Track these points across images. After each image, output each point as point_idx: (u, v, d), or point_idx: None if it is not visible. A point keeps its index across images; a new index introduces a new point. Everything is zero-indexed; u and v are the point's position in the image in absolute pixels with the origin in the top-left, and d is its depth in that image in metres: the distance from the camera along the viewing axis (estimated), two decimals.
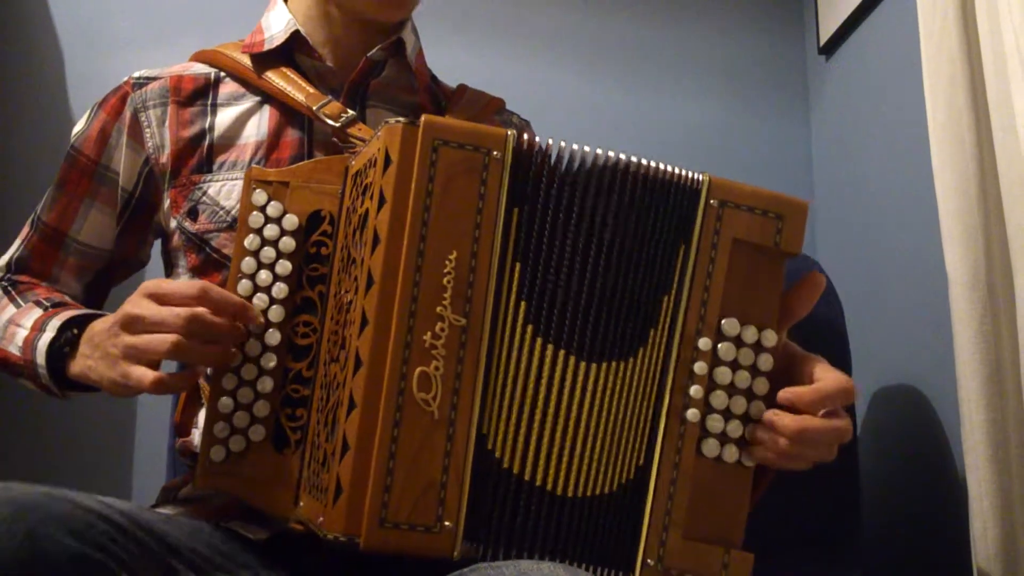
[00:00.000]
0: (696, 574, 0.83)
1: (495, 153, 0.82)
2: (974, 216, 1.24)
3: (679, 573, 0.82)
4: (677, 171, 0.87)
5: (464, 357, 0.79)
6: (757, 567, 0.85)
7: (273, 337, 0.91)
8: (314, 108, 1.08)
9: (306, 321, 0.92)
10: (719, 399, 0.85)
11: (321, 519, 0.79)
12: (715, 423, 0.85)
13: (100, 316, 0.98)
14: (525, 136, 0.83)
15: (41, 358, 0.99)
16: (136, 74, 1.17)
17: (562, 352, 0.82)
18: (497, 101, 1.25)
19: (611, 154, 0.85)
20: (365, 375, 0.79)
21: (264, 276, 0.93)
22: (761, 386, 0.86)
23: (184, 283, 0.89)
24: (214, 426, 0.90)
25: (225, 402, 0.91)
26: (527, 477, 0.81)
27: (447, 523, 0.77)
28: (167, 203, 1.12)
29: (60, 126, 1.17)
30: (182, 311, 0.86)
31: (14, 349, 1.04)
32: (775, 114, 2.16)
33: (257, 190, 0.94)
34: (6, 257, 1.17)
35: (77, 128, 1.18)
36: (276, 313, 0.92)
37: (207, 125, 1.13)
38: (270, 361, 0.91)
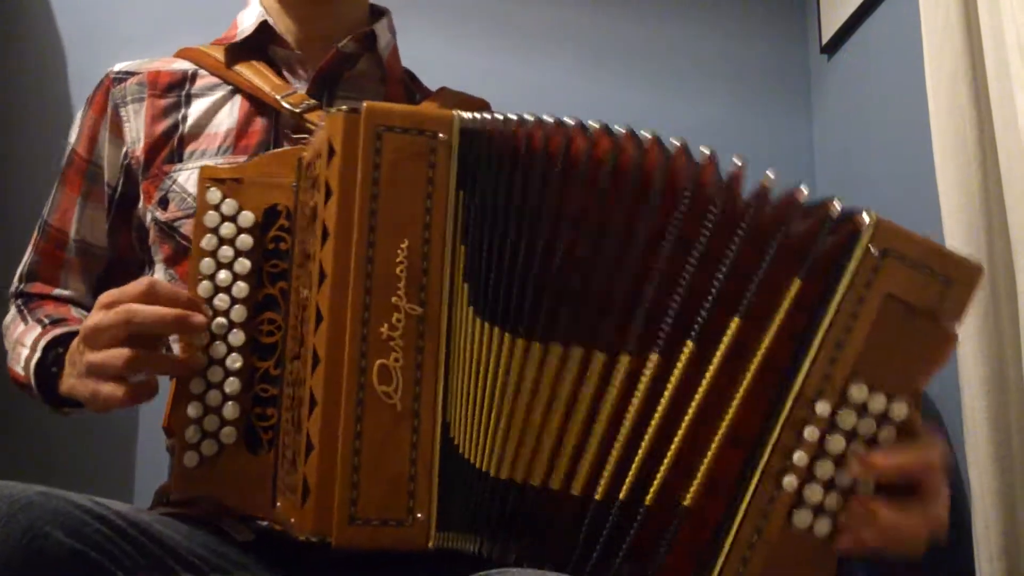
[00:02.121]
0: None
1: (441, 136, 0.79)
2: (976, 213, 1.24)
3: None
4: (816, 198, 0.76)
5: (423, 347, 0.78)
6: None
7: (237, 337, 0.90)
8: (278, 97, 1.08)
9: (270, 319, 0.91)
10: (825, 469, 0.74)
11: (293, 520, 0.78)
12: (814, 493, 0.74)
13: None
14: (475, 115, 0.81)
15: (33, 379, 1.01)
16: (117, 67, 1.18)
17: (507, 334, 0.78)
18: (478, 100, 1.24)
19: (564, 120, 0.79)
20: (323, 372, 0.77)
21: (224, 276, 0.91)
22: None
23: (131, 284, 0.88)
24: (185, 432, 0.89)
25: (194, 407, 0.90)
26: (486, 465, 0.78)
27: (419, 515, 0.76)
28: (142, 196, 1.13)
29: (62, 125, 1.19)
30: (120, 309, 0.85)
31: (19, 369, 1.06)
32: (777, 113, 2.17)
33: (211, 188, 0.93)
34: (20, 267, 1.19)
35: (73, 126, 1.20)
36: (238, 313, 0.90)
37: (180, 116, 1.14)
38: (236, 362, 0.90)
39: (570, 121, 0.80)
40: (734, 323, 0.76)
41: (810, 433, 0.74)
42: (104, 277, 1.19)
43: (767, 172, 0.76)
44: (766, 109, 2.16)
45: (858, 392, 0.74)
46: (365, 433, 0.76)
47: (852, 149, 1.95)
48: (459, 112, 0.80)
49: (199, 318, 0.86)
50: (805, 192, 0.77)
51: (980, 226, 1.24)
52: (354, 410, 0.76)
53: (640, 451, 0.77)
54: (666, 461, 0.76)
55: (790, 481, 0.74)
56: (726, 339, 0.76)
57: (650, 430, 0.77)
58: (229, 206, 0.92)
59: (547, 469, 0.78)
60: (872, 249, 0.75)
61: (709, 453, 0.76)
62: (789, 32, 2.20)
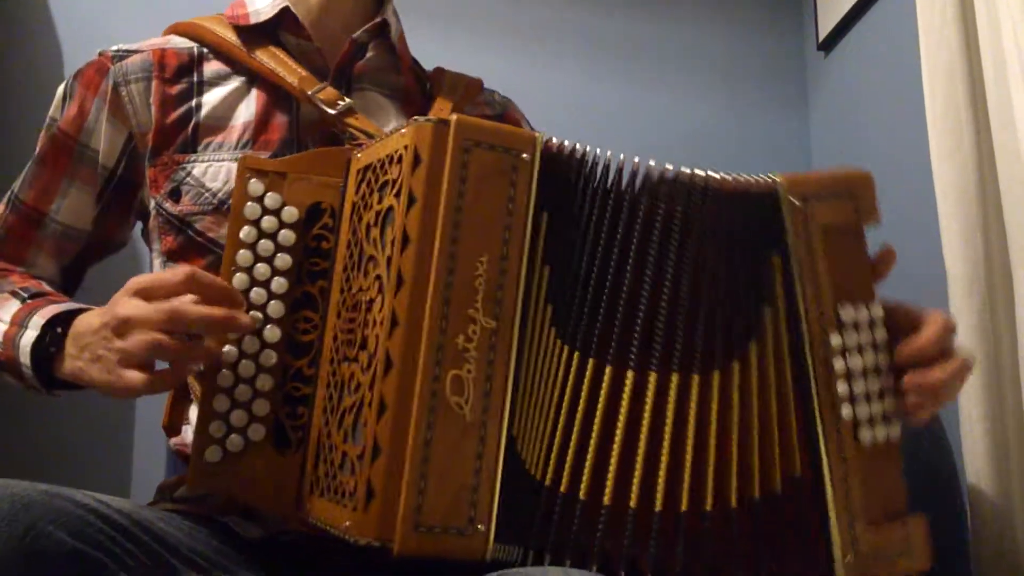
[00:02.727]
0: (887, 552, 0.85)
1: (524, 156, 0.82)
2: (973, 212, 1.27)
3: (874, 560, 0.84)
4: (746, 178, 0.87)
5: (495, 360, 0.79)
6: None
7: (272, 333, 0.88)
8: (309, 93, 1.05)
9: (307, 317, 0.90)
10: (860, 386, 0.86)
11: (347, 524, 0.78)
12: (864, 410, 0.86)
13: (83, 311, 0.93)
14: (554, 140, 0.83)
15: (26, 358, 0.94)
16: (113, 48, 1.11)
17: (591, 360, 0.82)
18: (478, 80, 1.25)
19: (653, 164, 0.84)
20: (397, 377, 0.77)
21: (262, 269, 0.90)
22: (885, 358, 0.88)
23: (170, 272, 0.85)
24: (209, 425, 0.87)
25: (221, 400, 0.87)
26: (553, 482, 0.80)
27: (479, 526, 0.77)
28: (148, 183, 1.07)
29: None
30: (164, 306, 0.83)
31: None
32: (774, 110, 2.19)
33: (253, 179, 0.91)
34: None
35: (55, 102, 1.12)
36: (275, 308, 0.89)
37: (193, 104, 1.08)
38: (270, 358, 0.88)
39: (649, 162, 0.84)
40: (767, 313, 0.86)
41: (838, 365, 0.86)
42: (80, 258, 1.13)
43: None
44: (763, 106, 2.19)
45: (845, 313, 0.87)
46: (435, 441, 0.77)
47: (848, 146, 1.97)
48: (543, 134, 0.83)
49: (246, 319, 0.85)
50: (729, 177, 0.87)
51: (977, 224, 1.27)
52: (426, 417, 0.77)
53: (736, 460, 0.83)
54: (772, 458, 0.85)
55: (846, 411, 0.86)
56: (769, 333, 0.86)
57: (726, 439, 0.84)
58: (272, 199, 0.91)
59: (627, 486, 0.81)
60: (794, 200, 0.88)
61: (774, 445, 0.85)
62: (786, 29, 2.23)
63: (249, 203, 0.90)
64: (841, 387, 0.86)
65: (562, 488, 0.81)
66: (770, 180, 0.87)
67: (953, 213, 1.30)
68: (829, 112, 2.10)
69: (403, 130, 0.82)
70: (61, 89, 1.13)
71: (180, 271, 0.85)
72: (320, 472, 0.84)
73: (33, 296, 1.01)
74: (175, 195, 1.05)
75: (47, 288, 1.05)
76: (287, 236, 0.90)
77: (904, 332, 0.89)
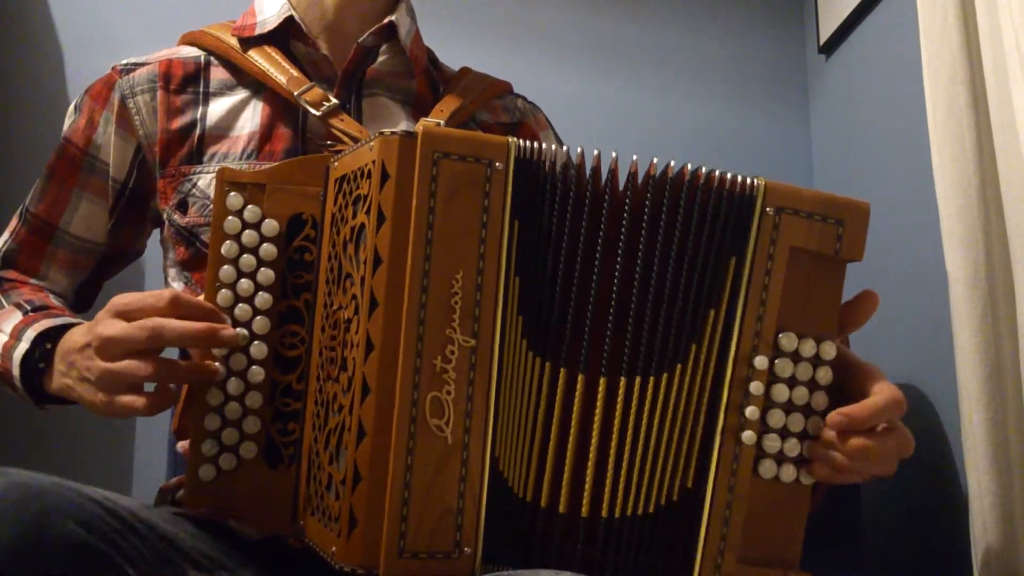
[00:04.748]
0: None
1: (497, 164, 0.78)
2: (974, 215, 1.25)
3: None
4: (729, 176, 0.82)
5: (475, 379, 0.77)
6: None
7: (259, 350, 0.87)
8: (295, 93, 1.04)
9: (293, 331, 0.88)
10: (776, 418, 0.81)
11: (334, 549, 0.77)
12: (772, 443, 0.81)
13: (74, 325, 0.93)
14: (528, 144, 0.80)
15: (16, 370, 0.95)
16: (123, 61, 1.12)
17: (563, 370, 0.79)
18: (502, 84, 1.22)
19: (636, 159, 0.81)
20: (374, 402, 0.76)
21: (245, 285, 0.88)
22: (820, 400, 0.82)
23: (151, 295, 0.85)
24: (201, 445, 0.87)
25: (212, 419, 0.87)
26: (534, 498, 0.80)
27: (466, 549, 0.76)
28: (159, 195, 1.08)
29: (59, 126, 1.14)
30: (147, 323, 0.82)
31: None
32: (775, 113, 2.17)
33: (232, 193, 0.89)
34: None
35: (68, 118, 1.13)
36: (261, 324, 0.88)
37: (198, 115, 1.08)
38: (258, 375, 0.87)
39: (624, 156, 0.81)
40: (711, 315, 0.82)
41: (755, 387, 0.81)
42: (95, 272, 1.15)
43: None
44: (764, 109, 2.17)
45: (788, 341, 0.82)
46: (416, 466, 0.76)
47: (850, 149, 1.97)
48: (515, 140, 0.79)
49: (229, 332, 0.84)
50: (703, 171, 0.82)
51: (978, 226, 1.25)
52: (405, 443, 0.75)
53: (671, 461, 0.82)
54: (685, 463, 0.82)
55: (749, 436, 0.81)
56: (709, 332, 0.82)
57: (675, 440, 0.82)
58: (252, 213, 0.89)
59: (599, 497, 0.80)
60: (768, 210, 0.81)
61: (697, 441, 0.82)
62: (787, 32, 2.22)
63: (229, 217, 0.89)
64: (751, 412, 0.80)
65: (543, 503, 0.80)
66: (752, 183, 0.82)
67: (954, 215, 1.28)
68: (830, 115, 2.09)
69: (371, 143, 0.80)
70: (73, 104, 1.14)
71: (163, 294, 0.84)
72: (311, 490, 0.84)
73: (36, 309, 1.01)
74: (182, 207, 1.06)
75: (53, 302, 1.06)
76: (269, 250, 0.88)
77: (852, 392, 0.84)
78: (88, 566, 0.74)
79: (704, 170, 0.82)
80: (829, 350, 0.82)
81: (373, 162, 0.79)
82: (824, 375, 0.82)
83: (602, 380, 0.80)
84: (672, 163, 0.82)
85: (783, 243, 0.81)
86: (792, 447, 0.81)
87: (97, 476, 1.72)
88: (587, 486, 0.80)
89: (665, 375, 0.81)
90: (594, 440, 0.80)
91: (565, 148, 0.81)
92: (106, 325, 0.84)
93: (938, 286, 1.36)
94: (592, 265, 0.80)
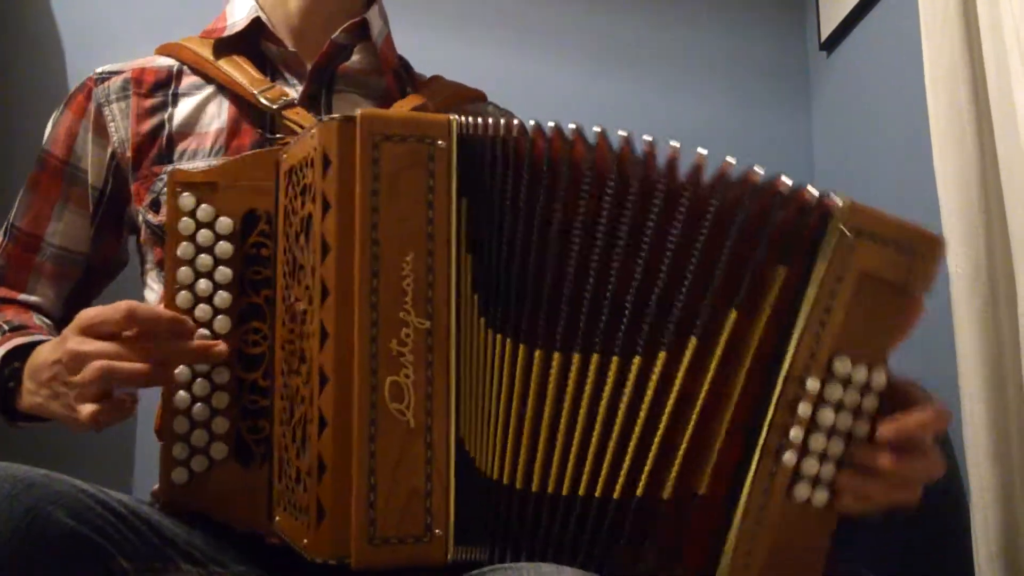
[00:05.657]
0: None
1: (440, 143, 0.77)
2: (975, 212, 1.24)
3: None
4: (791, 184, 0.77)
5: (433, 361, 0.76)
6: None
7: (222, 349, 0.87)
8: (255, 92, 1.05)
9: (255, 328, 0.88)
10: (818, 442, 0.77)
11: (305, 542, 0.77)
12: (810, 466, 0.77)
13: (44, 342, 0.93)
14: (470, 119, 0.79)
15: None
16: (99, 69, 1.14)
17: (522, 346, 0.77)
18: (473, 91, 1.22)
19: (625, 134, 0.79)
20: (333, 391, 0.75)
21: (203, 286, 0.88)
22: (862, 428, 0.78)
23: (110, 308, 0.84)
24: (172, 448, 0.87)
25: (180, 422, 0.87)
26: (509, 479, 0.78)
27: (437, 531, 0.75)
28: (133, 196, 1.09)
29: None
30: (107, 346, 0.82)
31: None
32: (776, 109, 2.16)
33: (184, 193, 0.89)
34: None
35: (47, 129, 1.14)
36: (222, 324, 0.87)
37: (167, 115, 1.09)
38: (222, 375, 0.87)
39: (571, 126, 0.79)
40: (732, 315, 0.77)
41: (803, 409, 0.77)
42: (83, 284, 1.15)
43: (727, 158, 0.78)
44: (765, 106, 2.16)
45: (842, 366, 0.77)
46: (379, 453, 0.75)
47: (851, 146, 1.96)
48: (456, 117, 0.78)
49: (192, 345, 0.85)
50: (788, 182, 0.78)
51: (979, 224, 1.24)
52: (367, 430, 0.75)
53: (653, 448, 0.77)
54: (679, 455, 0.77)
55: (789, 457, 0.77)
56: (725, 332, 0.77)
57: (661, 427, 0.77)
58: (205, 212, 0.88)
59: (564, 476, 0.78)
60: (846, 231, 0.76)
61: (716, 442, 0.77)
62: (788, 29, 2.20)
63: (183, 218, 0.88)
64: (795, 434, 0.77)
65: (518, 484, 0.78)
66: (831, 198, 0.76)
67: (955, 211, 1.26)
68: (831, 112, 2.07)
69: (312, 131, 0.79)
70: (53, 117, 1.15)
71: (120, 306, 0.83)
72: (283, 485, 0.83)
73: (14, 329, 1.01)
74: (155, 206, 1.06)
75: (34, 321, 1.06)
76: (225, 248, 0.88)
77: (894, 409, 0.79)
78: (80, 557, 0.74)
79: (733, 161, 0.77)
80: (880, 379, 0.79)
81: (315, 149, 0.78)
82: (871, 403, 0.79)
83: (575, 357, 0.77)
84: (645, 136, 0.80)
85: (855, 267, 0.77)
86: (828, 471, 0.78)
87: (97, 476, 1.72)
88: (560, 465, 0.77)
89: (640, 359, 0.77)
90: (563, 418, 0.77)
91: (516, 120, 0.79)
92: (75, 341, 0.84)
93: (939, 282, 1.35)
94: (545, 240, 0.77)
